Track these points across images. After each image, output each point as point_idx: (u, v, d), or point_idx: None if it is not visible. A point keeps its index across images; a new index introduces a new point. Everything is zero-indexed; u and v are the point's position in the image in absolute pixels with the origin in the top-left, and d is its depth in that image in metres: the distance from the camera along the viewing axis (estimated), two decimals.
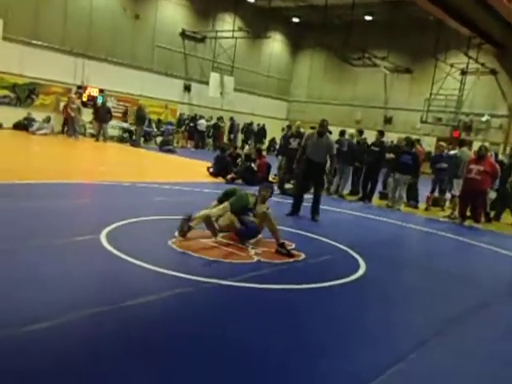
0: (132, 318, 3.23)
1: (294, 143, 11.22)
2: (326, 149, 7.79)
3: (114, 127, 20.26)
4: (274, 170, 12.51)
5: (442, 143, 12.38)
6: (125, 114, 20.58)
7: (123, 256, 4.39)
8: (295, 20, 28.24)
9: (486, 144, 15.33)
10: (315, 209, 7.77)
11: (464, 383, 2.98)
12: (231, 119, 24.21)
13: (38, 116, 17.93)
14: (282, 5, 25.34)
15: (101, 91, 20.19)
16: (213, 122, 23.15)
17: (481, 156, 9.07)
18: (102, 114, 17.89)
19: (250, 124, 24.71)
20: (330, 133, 8.68)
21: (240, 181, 11.10)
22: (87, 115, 18.76)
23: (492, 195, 10.33)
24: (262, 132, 24.57)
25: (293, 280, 4.38)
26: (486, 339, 3.72)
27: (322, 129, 7.80)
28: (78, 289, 3.60)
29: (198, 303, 3.65)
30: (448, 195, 11.00)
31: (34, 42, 18.30)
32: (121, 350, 2.80)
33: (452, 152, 11.39)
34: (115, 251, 4.51)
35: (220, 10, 25.12)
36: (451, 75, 23.18)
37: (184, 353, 2.83)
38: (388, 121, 25.73)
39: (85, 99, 19.62)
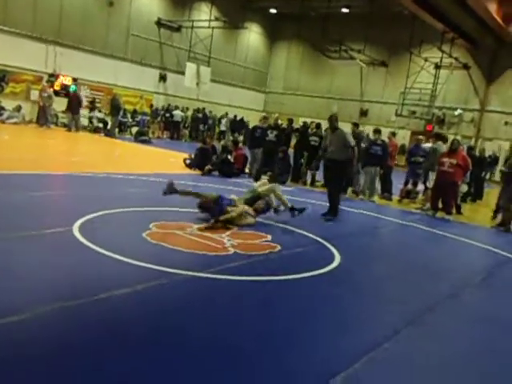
0: (105, 311, 3.19)
1: (271, 135, 11.23)
2: (340, 143, 7.41)
3: (86, 117, 19.89)
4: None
5: (420, 136, 12.49)
6: (92, 102, 19.98)
7: (96, 248, 4.33)
8: (272, 11, 28.15)
9: (458, 137, 15.70)
10: (329, 208, 7.49)
11: (435, 370, 3.05)
12: (202, 110, 23.62)
13: (8, 104, 17.42)
14: None
15: (74, 80, 19.75)
16: (189, 112, 22.98)
17: (453, 149, 9.25)
18: (75, 104, 17.49)
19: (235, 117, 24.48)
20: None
21: (216, 172, 11.06)
22: (60, 104, 18.29)
23: (463, 188, 10.58)
24: (239, 123, 24.51)
25: (267, 271, 4.40)
26: (455, 328, 3.82)
27: (331, 124, 7.65)
28: (49, 282, 3.53)
29: (172, 295, 3.63)
30: (420, 187, 11.20)
31: (2, 27, 17.73)
32: (94, 343, 2.76)
33: (427, 145, 11.57)
34: (88, 243, 4.44)
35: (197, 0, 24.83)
36: (425, 69, 23.56)
37: (158, 345, 2.82)
38: (364, 113, 26.03)
39: (57, 88, 19.15)
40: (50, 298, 3.21)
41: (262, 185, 6.82)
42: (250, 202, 6.38)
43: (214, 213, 5.96)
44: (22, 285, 3.40)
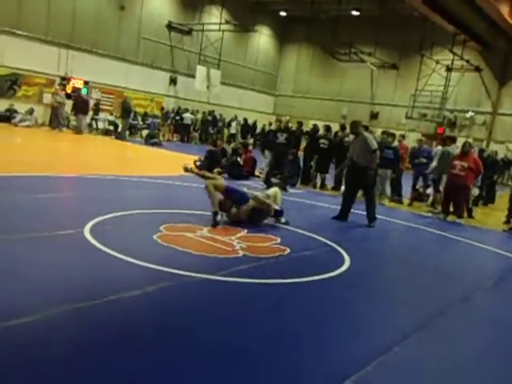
0: (116, 312, 3.21)
1: (281, 138, 11.22)
2: (362, 148, 7.32)
3: (98, 119, 20.09)
4: (259, 165, 12.52)
5: (421, 138, 12.53)
6: (96, 105, 19.97)
7: (108, 250, 4.36)
8: (282, 14, 28.19)
9: (470, 140, 15.57)
10: (368, 214, 7.44)
11: (446, 374, 3.02)
12: (212, 113, 23.72)
13: (21, 108, 17.63)
14: None
15: (85, 83, 19.94)
16: (199, 115, 23.07)
17: (465, 152, 9.18)
18: (79, 105, 17.52)
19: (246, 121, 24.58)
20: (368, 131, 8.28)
21: (226, 175, 11.08)
22: (71, 107, 18.50)
23: (475, 192, 10.48)
24: (250, 127, 24.56)
25: (277, 274, 4.40)
26: (466, 332, 3.78)
27: (353, 129, 7.62)
28: (60, 283, 3.56)
29: (183, 298, 3.65)
30: (429, 190, 11.10)
31: (17, 31, 17.98)
32: (104, 344, 2.78)
33: (438, 148, 11.44)
34: (99, 245, 4.47)
35: (207, 3, 24.97)
36: (437, 71, 23.42)
37: (167, 346, 2.83)
38: (374, 116, 25.93)
39: (69, 91, 19.34)
40: (61, 299, 3.24)
41: (267, 196, 6.64)
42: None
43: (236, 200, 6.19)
44: (33, 286, 3.43)
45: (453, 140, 10.74)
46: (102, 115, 20.14)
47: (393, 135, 10.91)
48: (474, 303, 4.53)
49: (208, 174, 6.68)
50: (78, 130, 17.58)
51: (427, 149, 11.09)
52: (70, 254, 4.28)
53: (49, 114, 17.98)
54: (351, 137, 8.46)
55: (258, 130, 25.41)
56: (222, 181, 6.58)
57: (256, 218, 6.37)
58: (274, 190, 6.88)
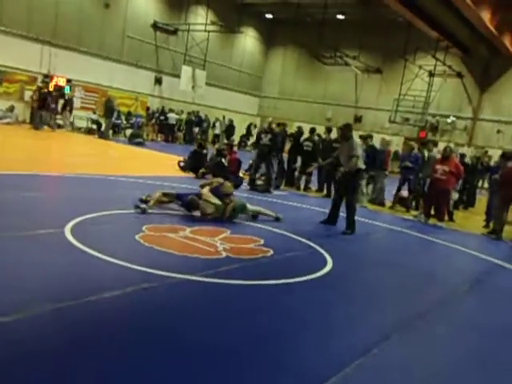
0: (95, 312, 3.18)
1: (265, 139, 11.22)
2: (347, 153, 7.22)
3: (81, 118, 19.87)
4: (244, 166, 12.51)
5: (412, 143, 12.44)
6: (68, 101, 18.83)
7: (88, 250, 4.31)
8: (268, 16, 28.27)
9: (451, 145, 15.78)
10: (347, 221, 7.22)
11: (424, 376, 3.06)
12: (197, 113, 23.63)
13: (1, 105, 17.33)
14: (255, 1, 25.31)
15: (68, 81, 19.68)
16: (183, 116, 22.98)
17: (446, 157, 9.31)
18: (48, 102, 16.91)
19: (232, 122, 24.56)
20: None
21: (210, 176, 11.04)
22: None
23: (454, 196, 10.62)
24: (230, 128, 24.53)
25: (259, 276, 4.40)
26: (445, 336, 3.83)
27: (342, 133, 7.58)
28: (40, 283, 3.51)
29: (163, 298, 3.63)
30: (405, 192, 11.13)
31: None
32: (86, 344, 2.75)
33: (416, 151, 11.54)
34: (80, 245, 4.42)
35: (193, 3, 24.89)
36: (419, 76, 23.73)
37: (147, 347, 2.81)
38: (358, 120, 26.15)
39: (51, 89, 19.06)
40: (41, 299, 3.20)
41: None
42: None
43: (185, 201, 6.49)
44: (12, 286, 3.38)
45: (435, 144, 10.90)
46: (83, 113, 19.86)
47: (370, 136, 11.04)
48: (453, 306, 4.60)
49: (208, 182, 7.06)
50: (35, 126, 16.74)
51: (417, 155, 11.06)
52: (50, 253, 4.22)
53: (29, 112, 17.69)
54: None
55: (240, 133, 25.49)
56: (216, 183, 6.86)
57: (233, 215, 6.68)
58: (256, 208, 7.17)
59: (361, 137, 11.45)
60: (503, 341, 3.88)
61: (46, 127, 17.25)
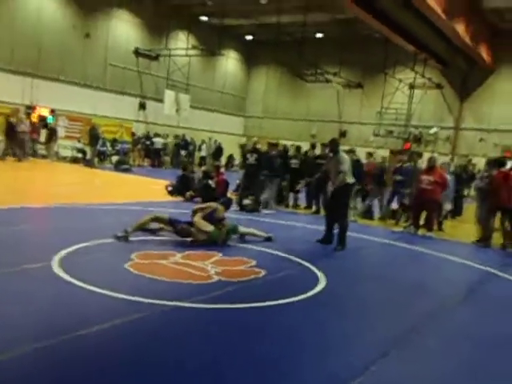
0: (87, 347, 3.11)
1: (251, 159, 11.27)
2: (335, 168, 7.21)
3: (66, 147, 19.80)
4: (232, 187, 12.51)
5: (402, 156, 12.43)
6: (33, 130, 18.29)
7: (77, 282, 4.24)
8: (248, 37, 28.68)
9: (435, 155, 15.99)
10: (338, 237, 7.21)
11: None
12: (182, 137, 23.68)
13: None
14: (234, 23, 25.70)
15: (52, 111, 19.66)
16: (169, 140, 23.05)
17: (430, 167, 9.42)
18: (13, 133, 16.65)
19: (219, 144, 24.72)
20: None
21: (199, 198, 11.01)
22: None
23: (447, 207, 10.66)
24: (218, 150, 24.66)
25: (252, 298, 4.35)
26: (441, 349, 3.81)
27: (331, 147, 7.58)
28: (26, 320, 3.43)
29: (154, 328, 3.56)
30: (394, 205, 11.18)
31: None
32: (75, 381, 2.68)
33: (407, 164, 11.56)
34: (68, 278, 4.34)
35: (173, 28, 25.17)
36: (400, 89, 24.15)
37: (142, 381, 2.74)
38: (343, 134, 26.39)
39: (35, 119, 19.00)
40: (26, 337, 3.11)
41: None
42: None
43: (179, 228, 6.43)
44: None
45: (419, 155, 11.02)
46: (68, 142, 19.82)
47: (353, 151, 11.19)
48: (445, 317, 4.58)
49: (202, 207, 6.88)
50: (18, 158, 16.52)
51: (409, 167, 11.08)
52: (37, 288, 4.14)
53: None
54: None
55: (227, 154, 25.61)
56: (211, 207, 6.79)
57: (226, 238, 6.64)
58: (247, 230, 7.17)
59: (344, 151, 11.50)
60: (495, 351, 3.86)
61: (30, 158, 17.15)
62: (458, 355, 3.71)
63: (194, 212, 6.70)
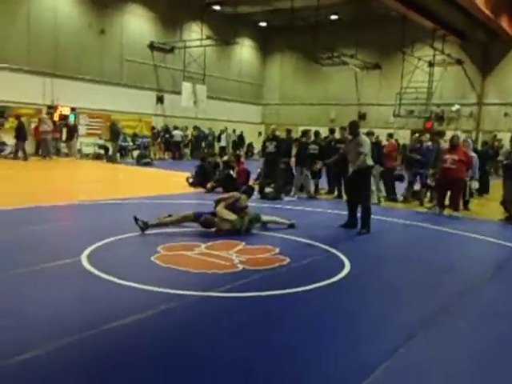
0: (119, 339, 3.19)
1: (270, 147, 11.25)
2: (356, 150, 7.11)
3: (88, 144, 20.13)
4: (253, 176, 12.54)
5: (420, 136, 12.21)
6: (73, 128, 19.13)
7: (106, 276, 4.34)
8: (262, 24, 28.40)
9: (458, 133, 15.65)
10: (361, 220, 7.22)
11: (455, 372, 3.01)
12: (197, 129, 23.71)
13: (10, 139, 17.58)
14: (248, 10, 25.46)
15: (72, 109, 19.96)
16: (189, 131, 23.18)
17: (454, 145, 9.24)
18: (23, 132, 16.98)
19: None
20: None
21: (220, 189, 11.07)
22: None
23: (475, 185, 10.44)
24: (240, 139, 24.73)
25: (278, 286, 4.38)
26: (470, 328, 3.78)
27: (350, 130, 7.52)
28: (60, 315, 3.53)
29: (183, 318, 3.63)
30: (417, 186, 11.05)
31: (0, 65, 18.00)
32: (111, 373, 2.76)
33: (430, 143, 11.35)
34: (97, 272, 4.45)
35: (187, 20, 25.12)
36: (419, 68, 23.60)
37: (170, 373, 2.81)
38: (362, 117, 26.02)
39: (56, 119, 19.34)
40: (62, 332, 3.21)
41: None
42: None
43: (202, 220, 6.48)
44: (33, 320, 3.41)
45: (441, 134, 10.82)
46: (89, 139, 20.16)
47: (372, 133, 11.09)
48: (475, 296, 4.54)
49: (224, 197, 6.93)
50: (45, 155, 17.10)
51: (430, 147, 10.86)
52: (68, 284, 4.25)
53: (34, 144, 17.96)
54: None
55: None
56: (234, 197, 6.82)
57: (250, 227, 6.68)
58: (269, 218, 7.18)
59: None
60: None
61: (54, 156, 17.55)
62: (487, 333, 3.67)
63: (217, 202, 6.75)
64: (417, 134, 12.27)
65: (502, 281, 5.18)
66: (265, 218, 7.03)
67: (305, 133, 11.68)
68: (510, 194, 8.84)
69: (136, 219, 6.16)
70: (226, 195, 7.06)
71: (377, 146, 10.77)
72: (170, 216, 6.53)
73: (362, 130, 8.37)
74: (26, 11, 18.85)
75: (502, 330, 3.74)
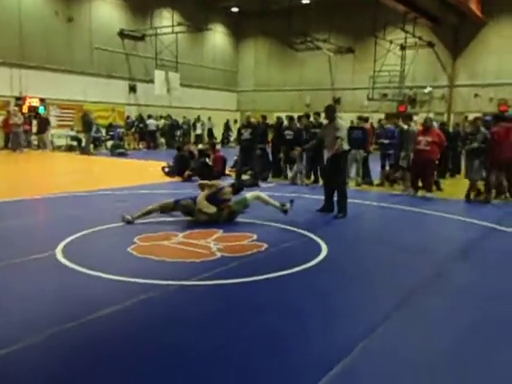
0: (97, 331, 3.17)
1: (245, 134, 11.21)
2: (332, 134, 7.12)
3: (60, 136, 19.70)
4: (230, 163, 12.51)
5: (383, 120, 12.95)
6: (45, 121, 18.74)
7: (81, 269, 4.29)
8: (234, 10, 28.09)
9: (431, 115, 15.87)
10: (338, 205, 7.23)
11: (431, 351, 3.09)
12: (168, 117, 23.38)
13: None
14: None
15: (41, 100, 19.45)
16: (162, 120, 22.88)
17: (427, 127, 9.38)
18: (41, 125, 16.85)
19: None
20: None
21: (197, 177, 11.01)
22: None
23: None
24: (226, 127, 24.85)
25: (256, 271, 4.40)
26: (444, 307, 3.87)
27: (326, 114, 7.44)
28: (36, 309, 3.48)
29: (162, 308, 3.62)
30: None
31: None
32: (90, 366, 2.74)
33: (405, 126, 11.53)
34: (73, 265, 4.39)
35: (157, 6, 24.66)
36: (392, 51, 23.78)
37: (153, 363, 2.80)
38: (337, 101, 26.13)
39: (25, 110, 18.83)
40: (39, 325, 3.17)
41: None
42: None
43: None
44: (7, 316, 3.35)
45: (410, 118, 11.07)
46: (61, 131, 19.72)
47: (366, 119, 11.63)
48: (447, 276, 4.64)
49: (209, 184, 6.76)
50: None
51: (390, 128, 11.30)
52: (43, 278, 4.19)
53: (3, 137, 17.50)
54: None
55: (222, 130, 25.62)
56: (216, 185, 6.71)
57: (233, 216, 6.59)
58: (253, 194, 6.93)
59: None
60: (498, 304, 3.90)
61: (25, 149, 17.14)
62: (461, 311, 3.76)
63: (201, 187, 6.68)
64: (383, 120, 12.74)
65: (474, 260, 5.31)
66: (260, 195, 6.84)
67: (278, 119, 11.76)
68: (478, 173, 9.08)
69: (125, 219, 6.18)
70: (210, 182, 6.92)
71: (363, 131, 10.93)
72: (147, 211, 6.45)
73: (344, 115, 8.44)
74: None
75: (475, 308, 3.84)
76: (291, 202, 6.89)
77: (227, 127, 26.92)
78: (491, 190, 9.08)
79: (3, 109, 18.31)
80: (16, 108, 18.07)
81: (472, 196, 9.17)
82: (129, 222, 6.16)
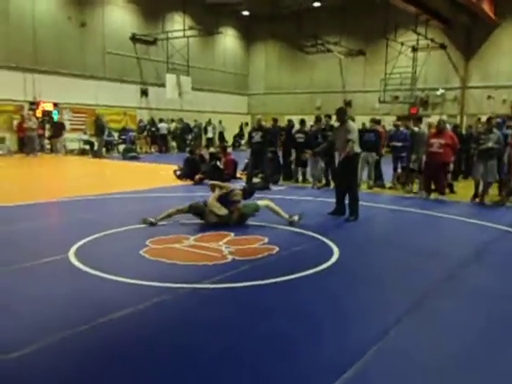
0: (109, 334, 3.18)
1: (256, 137, 11.21)
2: (345, 135, 7.11)
3: (72, 140, 19.91)
4: (241, 166, 12.53)
5: (397, 122, 12.85)
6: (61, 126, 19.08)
7: (94, 272, 4.32)
8: (245, 13, 28.17)
9: (444, 117, 15.78)
10: (349, 208, 7.24)
11: (443, 354, 3.06)
12: (180, 120, 23.53)
13: None
14: (230, 0, 25.23)
15: (55, 105, 19.67)
16: (173, 124, 22.99)
17: (440, 130, 9.30)
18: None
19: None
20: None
21: (208, 180, 11.04)
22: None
23: (450, 167, 10.57)
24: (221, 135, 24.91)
25: (268, 275, 4.39)
26: (456, 309, 3.83)
27: (337, 117, 7.44)
28: (49, 312, 3.51)
29: (176, 311, 3.63)
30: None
31: None
32: (102, 369, 2.76)
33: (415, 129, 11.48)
34: (85, 268, 4.43)
35: (169, 11, 24.82)
36: (403, 53, 23.64)
37: (165, 366, 2.81)
38: (348, 104, 26.04)
39: (39, 115, 19.06)
40: (51, 329, 3.19)
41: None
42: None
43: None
44: (21, 318, 3.38)
45: (419, 121, 11.01)
46: (74, 135, 19.92)
47: (378, 121, 11.65)
48: (461, 279, 4.59)
49: (220, 185, 6.83)
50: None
51: (403, 131, 11.22)
52: (56, 281, 4.22)
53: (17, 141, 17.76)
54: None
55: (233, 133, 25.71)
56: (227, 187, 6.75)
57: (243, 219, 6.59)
58: (264, 202, 6.87)
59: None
60: (509, 306, 3.86)
61: (38, 153, 17.35)
62: (473, 314, 3.72)
63: (212, 187, 6.72)
64: (398, 122, 12.65)
65: (487, 263, 5.25)
66: (269, 205, 6.79)
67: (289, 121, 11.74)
68: (493, 175, 8.98)
69: (145, 221, 6.31)
70: (222, 183, 6.99)
71: (375, 133, 10.87)
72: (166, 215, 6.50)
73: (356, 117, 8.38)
74: (2, 5, 18.45)
75: (488, 311, 3.79)
76: (300, 215, 6.66)
77: (241, 130, 27.08)
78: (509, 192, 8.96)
79: (17, 113, 18.55)
80: (30, 112, 18.30)
81: (479, 199, 9.05)
82: (152, 224, 6.26)
